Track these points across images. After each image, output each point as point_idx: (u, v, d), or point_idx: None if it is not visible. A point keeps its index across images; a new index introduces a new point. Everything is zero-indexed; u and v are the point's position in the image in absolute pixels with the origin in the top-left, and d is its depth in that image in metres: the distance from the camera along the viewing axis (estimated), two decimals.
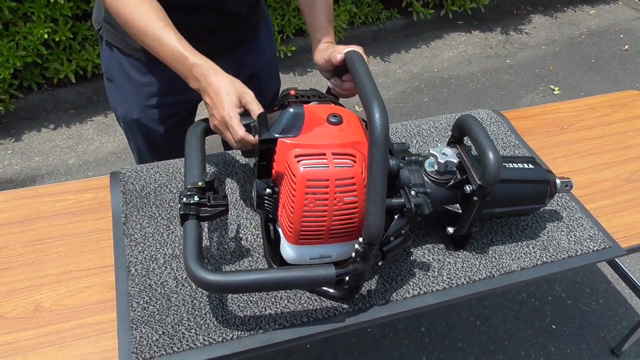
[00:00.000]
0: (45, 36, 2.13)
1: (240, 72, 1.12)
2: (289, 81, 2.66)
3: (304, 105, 0.80)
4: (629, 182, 1.15)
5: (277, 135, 0.76)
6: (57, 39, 2.20)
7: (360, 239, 0.74)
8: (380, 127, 0.69)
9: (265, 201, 0.82)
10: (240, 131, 0.80)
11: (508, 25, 3.39)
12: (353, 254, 0.76)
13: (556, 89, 2.79)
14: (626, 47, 3.26)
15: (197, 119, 1.04)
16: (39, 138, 2.30)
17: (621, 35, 3.38)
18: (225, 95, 0.81)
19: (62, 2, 2.12)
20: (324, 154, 0.74)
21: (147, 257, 0.90)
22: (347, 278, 0.77)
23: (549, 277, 1.50)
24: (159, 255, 0.91)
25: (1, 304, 0.83)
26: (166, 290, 0.86)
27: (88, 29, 2.30)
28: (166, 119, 1.14)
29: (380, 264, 0.81)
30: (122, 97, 1.12)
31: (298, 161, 0.74)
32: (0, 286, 0.85)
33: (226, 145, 1.32)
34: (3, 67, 2.16)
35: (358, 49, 0.87)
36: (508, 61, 3.05)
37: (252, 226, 0.97)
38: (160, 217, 0.97)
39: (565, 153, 1.20)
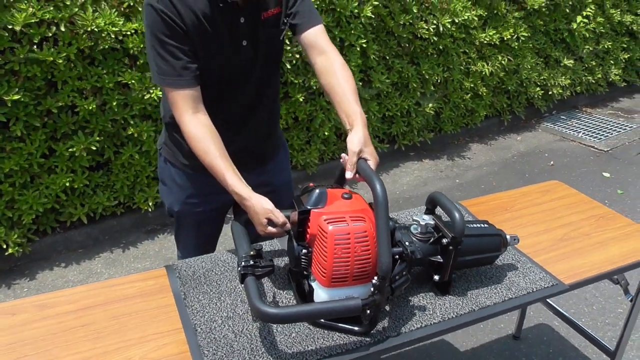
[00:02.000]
0: (67, 184, 2.47)
1: (261, 186, 1.47)
2: None
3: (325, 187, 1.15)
4: (562, 241, 1.51)
5: (310, 208, 1.10)
6: (75, 187, 2.53)
7: (375, 278, 1.04)
8: (382, 194, 1.04)
9: (302, 260, 1.12)
10: (276, 234, 1.18)
11: (452, 153, 4.00)
12: (371, 289, 1.05)
13: None
14: (551, 162, 3.88)
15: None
16: (52, 275, 2.50)
17: (546, 154, 4.03)
18: (254, 214, 1.19)
19: (82, 156, 2.50)
20: (344, 218, 1.08)
21: (207, 319, 1.15)
22: (368, 311, 1.05)
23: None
24: (216, 317, 1.16)
25: None
26: (228, 341, 1.10)
27: (100, 177, 2.66)
28: (198, 214, 1.53)
29: (389, 299, 1.10)
30: (170, 195, 1.52)
31: (327, 223, 1.06)
32: (96, 350, 1.07)
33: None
34: (26, 214, 2.44)
35: (372, 156, 1.20)
36: (457, 181, 3.57)
37: (281, 287, 1.25)
38: (212, 292, 1.24)
39: (510, 226, 1.57)
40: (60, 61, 2.32)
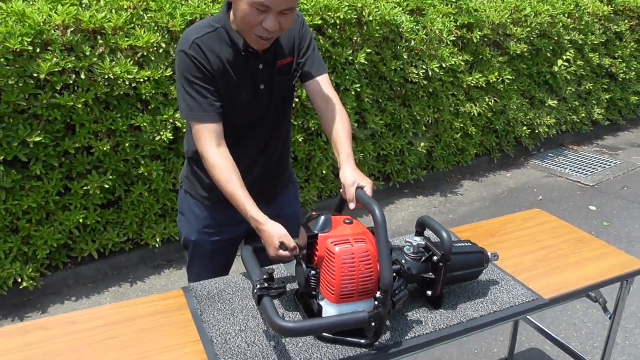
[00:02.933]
0: (80, 221, 2.61)
1: (272, 218, 1.51)
2: None
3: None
4: (542, 261, 1.66)
5: (317, 232, 1.25)
6: (87, 223, 2.68)
7: (378, 292, 1.18)
8: (381, 216, 1.19)
9: (311, 280, 1.25)
10: (286, 258, 1.31)
11: (445, 189, 4.17)
12: (375, 303, 1.18)
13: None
14: (540, 197, 4.06)
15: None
16: (62, 309, 2.60)
17: (534, 190, 4.21)
18: (267, 242, 1.33)
19: (95, 194, 2.66)
20: (349, 240, 1.23)
21: (222, 332, 1.28)
22: (373, 323, 1.18)
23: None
24: (230, 330, 1.29)
25: None
26: (242, 350, 1.22)
27: (110, 214, 2.80)
28: (212, 243, 1.67)
29: (390, 312, 1.23)
30: (187, 224, 1.68)
31: (334, 245, 1.21)
32: (122, 359, 1.20)
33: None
34: (40, 249, 2.57)
35: (367, 184, 1.38)
36: (450, 216, 3.73)
37: (288, 309, 1.38)
38: (225, 310, 1.37)
39: (495, 248, 1.71)
40: (79, 106, 2.51)
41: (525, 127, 4.62)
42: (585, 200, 4.00)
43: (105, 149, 2.63)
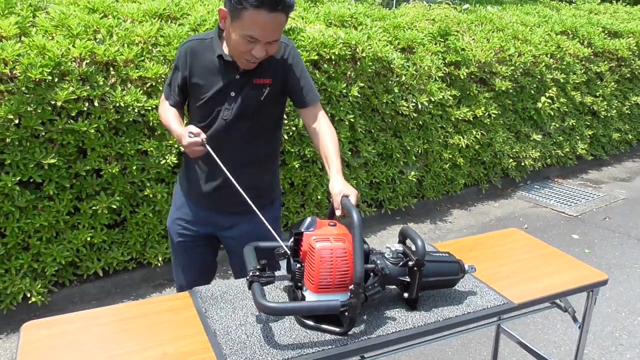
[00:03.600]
0: (88, 239, 2.77)
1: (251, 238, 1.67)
2: None
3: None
4: (515, 272, 1.83)
5: (303, 230, 1.43)
6: (94, 242, 2.83)
7: (352, 285, 1.35)
8: (358, 220, 1.37)
9: (296, 273, 1.43)
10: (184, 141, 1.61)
11: (435, 217, 4.35)
12: (349, 295, 1.35)
13: None
14: (526, 226, 4.24)
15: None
16: None
17: (520, 219, 4.40)
18: (180, 137, 1.65)
19: (103, 214, 2.83)
20: (329, 238, 1.41)
21: (224, 326, 1.44)
22: (346, 313, 1.34)
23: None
24: (232, 324, 1.45)
25: (140, 355, 1.32)
26: (241, 340, 1.38)
27: (116, 234, 2.96)
28: (178, 235, 1.91)
29: (364, 304, 1.39)
30: (170, 210, 1.98)
31: (316, 242, 1.39)
32: (138, 346, 1.35)
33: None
34: (49, 266, 2.72)
35: (352, 193, 1.56)
36: (439, 242, 3.89)
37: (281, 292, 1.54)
38: (227, 308, 1.53)
39: (473, 261, 1.88)
40: (92, 131, 2.71)
41: (511, 160, 4.84)
42: (568, 230, 4.19)
43: (114, 171, 2.81)
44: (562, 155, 5.35)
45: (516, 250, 2.01)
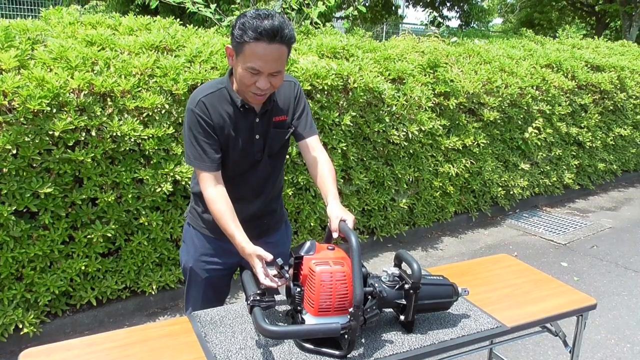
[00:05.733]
0: (82, 268, 2.77)
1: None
2: None
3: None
4: (507, 296, 1.87)
5: (303, 254, 1.47)
6: (89, 271, 2.83)
7: (351, 308, 1.38)
8: (356, 244, 1.42)
9: (296, 297, 1.46)
10: (264, 281, 1.54)
11: (426, 245, 4.40)
12: (348, 317, 1.38)
13: None
14: (515, 253, 4.30)
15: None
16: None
17: (510, 247, 4.45)
18: (248, 257, 1.60)
19: (98, 243, 2.84)
20: (328, 262, 1.45)
21: (224, 350, 1.46)
22: (346, 336, 1.37)
23: None
24: (232, 348, 1.47)
25: None
26: None
27: (110, 262, 2.96)
28: (207, 271, 1.91)
29: (362, 327, 1.42)
30: (187, 253, 1.93)
31: (316, 265, 1.43)
32: None
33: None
34: (42, 296, 2.71)
35: (350, 218, 1.63)
36: (431, 267, 3.92)
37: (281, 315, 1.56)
38: (227, 332, 1.55)
39: (466, 285, 1.93)
40: (88, 160, 2.74)
41: (500, 188, 4.93)
42: (557, 258, 4.24)
43: (109, 200, 2.83)
44: (550, 184, 5.46)
45: (507, 275, 2.06)
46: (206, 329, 1.56)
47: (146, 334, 1.54)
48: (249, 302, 1.42)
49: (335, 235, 1.61)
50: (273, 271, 1.54)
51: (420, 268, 1.54)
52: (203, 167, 1.70)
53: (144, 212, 2.98)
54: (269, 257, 1.55)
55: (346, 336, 1.38)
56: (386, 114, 3.90)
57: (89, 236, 2.82)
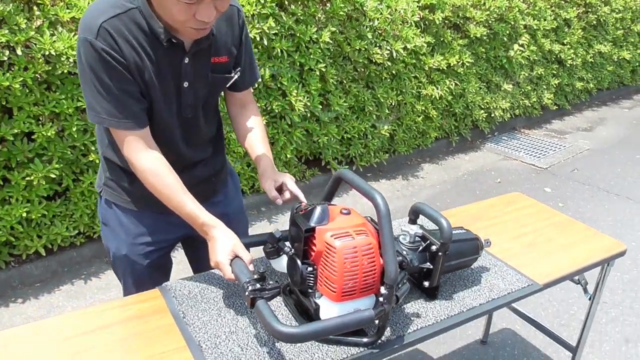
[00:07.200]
0: (24, 215, 2.36)
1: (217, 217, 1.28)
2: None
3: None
4: (530, 246, 1.63)
5: (314, 225, 1.13)
6: (32, 217, 2.42)
7: (383, 288, 1.08)
8: (384, 205, 1.08)
9: (308, 278, 1.14)
10: (227, 274, 1.15)
11: (406, 173, 4.15)
12: (380, 299, 1.08)
13: None
14: (499, 180, 4.12)
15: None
16: (8, 312, 2.35)
17: (492, 172, 4.27)
18: (220, 247, 1.17)
19: (40, 185, 2.41)
20: (349, 232, 1.11)
21: (211, 335, 1.15)
22: (377, 321, 1.08)
23: None
24: (220, 332, 1.16)
25: None
26: (235, 354, 1.10)
27: (58, 206, 2.55)
28: (148, 255, 1.43)
29: (394, 305, 1.13)
30: (114, 237, 1.42)
31: (335, 239, 1.10)
32: None
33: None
34: None
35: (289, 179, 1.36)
36: (414, 199, 3.71)
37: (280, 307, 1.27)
38: (211, 310, 1.24)
39: (483, 234, 1.66)
40: (16, 86, 2.24)
41: (482, 111, 4.67)
42: (540, 183, 4.10)
43: (49, 134, 2.37)
44: (529, 105, 5.24)
45: (525, 219, 1.81)
46: (184, 306, 1.24)
47: (106, 318, 1.20)
48: (247, 292, 1.07)
49: (279, 201, 1.34)
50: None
51: (450, 225, 1.24)
52: (123, 125, 1.18)
53: (93, 148, 2.54)
54: (247, 256, 1.17)
55: (377, 321, 1.09)
56: (368, 29, 3.46)
57: (27, 178, 2.38)
